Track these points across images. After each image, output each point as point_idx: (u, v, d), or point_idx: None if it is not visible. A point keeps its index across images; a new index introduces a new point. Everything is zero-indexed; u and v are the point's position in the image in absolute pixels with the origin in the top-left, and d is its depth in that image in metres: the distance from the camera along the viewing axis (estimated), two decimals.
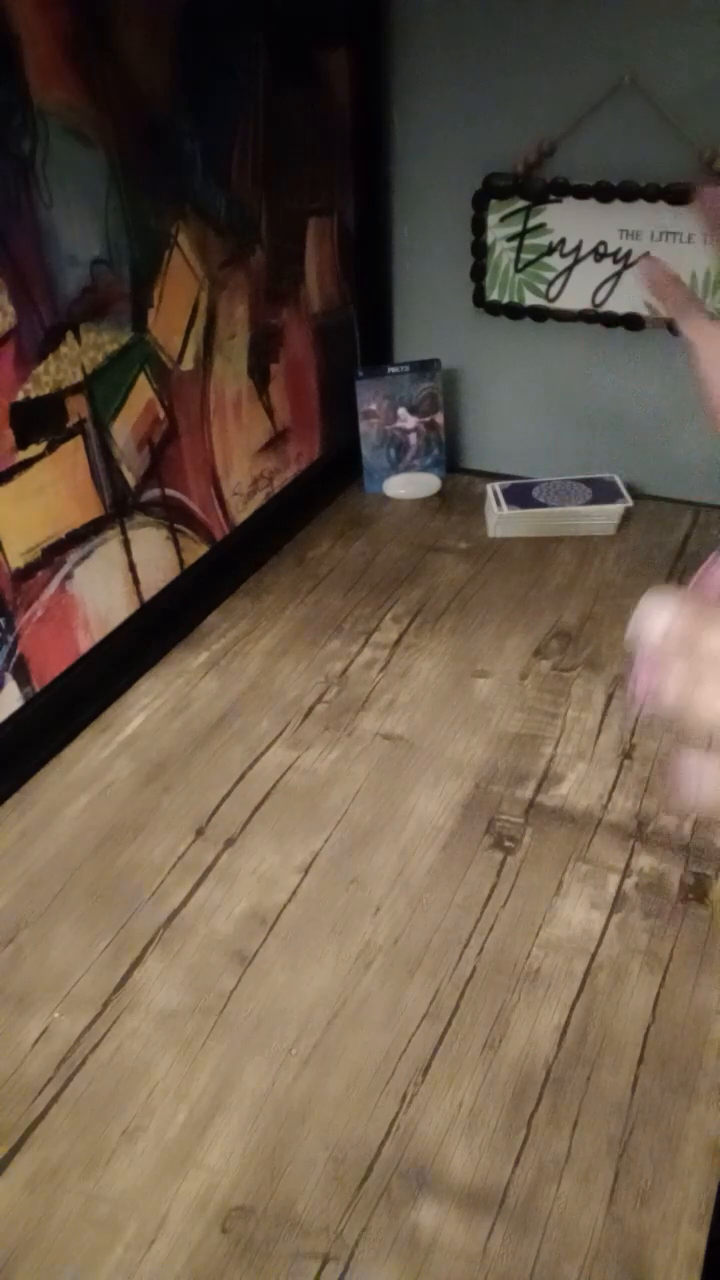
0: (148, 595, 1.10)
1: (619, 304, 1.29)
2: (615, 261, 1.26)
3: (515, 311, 1.36)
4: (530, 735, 0.99)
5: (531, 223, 1.28)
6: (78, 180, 0.86)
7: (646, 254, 1.01)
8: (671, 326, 0.95)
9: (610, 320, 1.31)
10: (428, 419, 1.43)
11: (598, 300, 1.30)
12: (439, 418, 1.43)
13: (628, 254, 1.25)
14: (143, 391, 1.01)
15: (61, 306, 0.88)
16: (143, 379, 1.00)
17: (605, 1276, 0.59)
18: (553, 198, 1.25)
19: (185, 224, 1.01)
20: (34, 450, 0.89)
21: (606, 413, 1.39)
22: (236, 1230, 0.61)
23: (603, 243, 1.26)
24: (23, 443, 0.87)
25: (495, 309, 1.37)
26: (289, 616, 1.19)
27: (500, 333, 1.39)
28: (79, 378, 0.92)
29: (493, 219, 1.30)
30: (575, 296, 1.31)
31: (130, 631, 1.07)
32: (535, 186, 1.25)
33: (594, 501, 1.32)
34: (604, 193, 1.21)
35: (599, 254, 1.27)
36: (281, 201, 1.17)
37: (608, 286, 1.29)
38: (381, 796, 0.92)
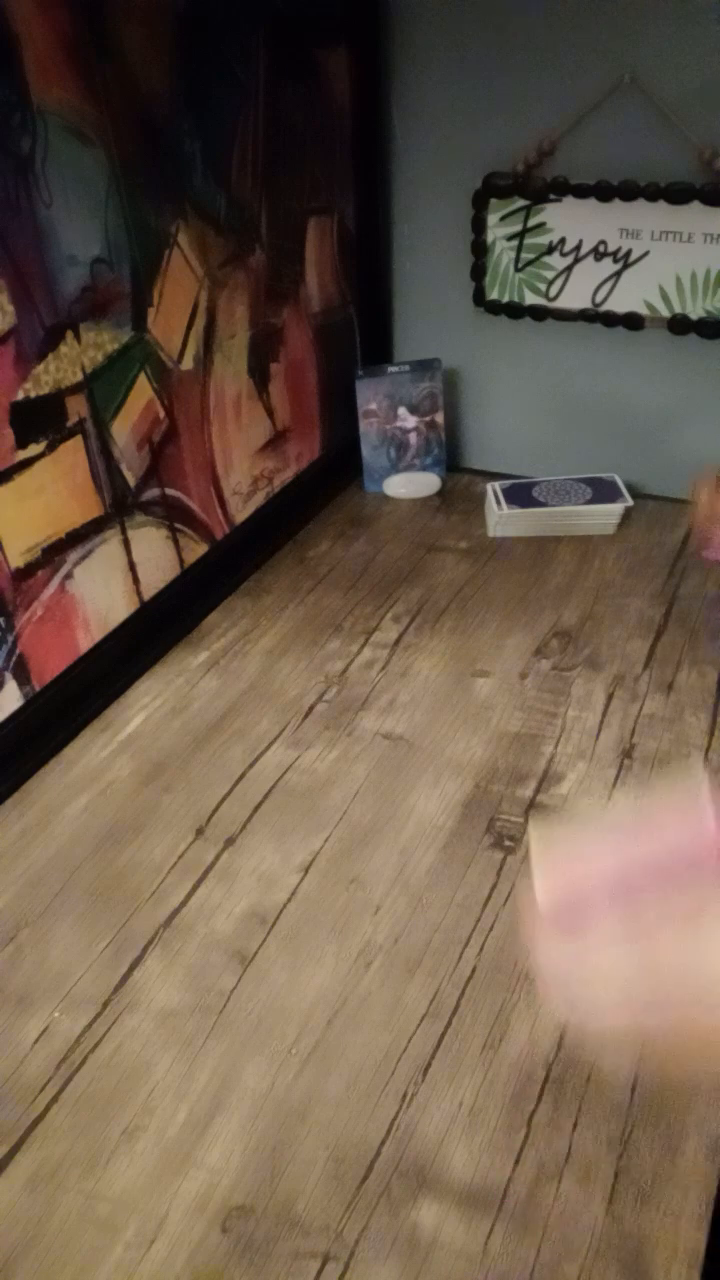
0: (148, 595, 1.10)
1: (619, 303, 1.29)
2: (615, 261, 1.26)
3: (515, 311, 1.36)
4: (530, 735, 0.99)
5: (531, 222, 1.28)
6: (78, 180, 0.86)
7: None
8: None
9: (610, 320, 1.31)
10: (428, 418, 1.43)
11: (598, 300, 1.30)
12: (439, 417, 1.43)
13: (628, 253, 1.25)
14: (143, 391, 1.01)
15: (61, 306, 0.88)
16: (143, 378, 1.00)
17: (605, 1276, 0.59)
18: (553, 197, 1.25)
19: (185, 223, 1.01)
20: (34, 450, 0.89)
21: (606, 412, 1.39)
22: (236, 1230, 0.61)
23: (603, 242, 1.26)
24: (23, 442, 0.87)
25: (495, 308, 1.37)
26: (289, 616, 1.19)
27: (500, 332, 1.39)
28: (79, 377, 0.92)
29: (493, 218, 1.30)
30: (575, 296, 1.31)
31: (130, 631, 1.07)
32: (535, 186, 1.25)
33: (594, 501, 1.32)
34: (604, 192, 1.21)
35: (599, 253, 1.27)
36: (281, 201, 1.17)
37: (608, 286, 1.29)
38: (381, 796, 0.92)
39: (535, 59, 1.18)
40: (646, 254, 1.24)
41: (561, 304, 1.33)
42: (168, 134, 0.96)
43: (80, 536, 0.97)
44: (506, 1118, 0.67)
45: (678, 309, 1.27)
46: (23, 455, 0.87)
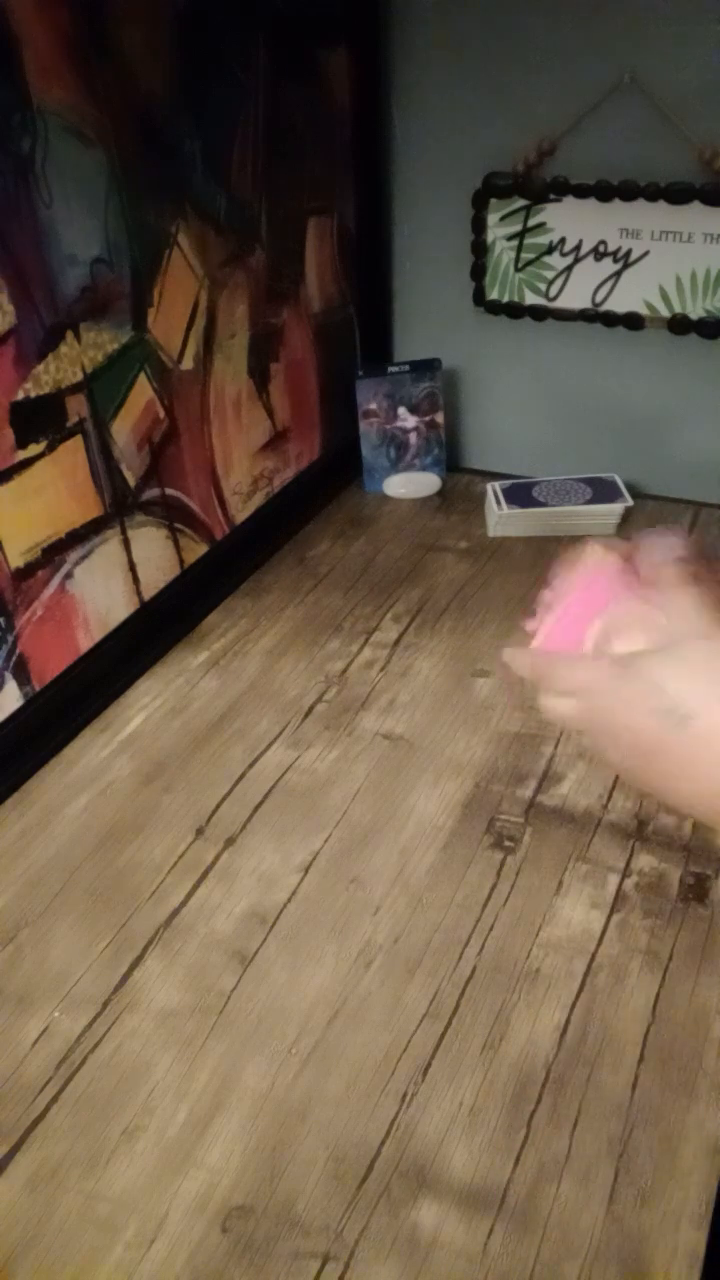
0: (148, 595, 1.10)
1: (619, 303, 1.29)
2: (615, 261, 1.26)
3: (515, 311, 1.36)
4: (530, 734, 0.99)
5: (531, 222, 1.28)
6: (78, 180, 0.86)
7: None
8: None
9: (610, 320, 1.31)
10: (428, 418, 1.43)
11: (598, 299, 1.30)
12: (439, 417, 1.43)
13: (628, 253, 1.25)
14: (143, 391, 1.01)
15: (61, 306, 0.88)
16: (143, 378, 1.00)
17: (605, 1276, 0.59)
18: (553, 197, 1.25)
19: (185, 223, 1.01)
20: (34, 449, 0.89)
21: (606, 412, 1.39)
22: (236, 1230, 0.61)
23: (603, 242, 1.26)
24: (23, 442, 0.87)
25: (495, 308, 1.37)
26: (289, 616, 1.19)
27: (500, 332, 1.39)
28: (79, 377, 0.92)
29: (493, 218, 1.30)
30: (575, 296, 1.31)
31: (130, 631, 1.07)
32: (535, 185, 1.25)
33: (594, 501, 1.32)
34: (604, 192, 1.21)
35: (599, 253, 1.27)
36: (281, 201, 1.17)
37: (608, 286, 1.29)
38: (381, 796, 0.92)
39: (535, 59, 1.18)
40: (646, 254, 1.24)
41: (561, 304, 1.33)
42: (168, 134, 0.96)
43: (80, 536, 0.97)
44: (506, 1118, 0.67)
45: (678, 309, 1.27)
46: (23, 455, 0.87)
